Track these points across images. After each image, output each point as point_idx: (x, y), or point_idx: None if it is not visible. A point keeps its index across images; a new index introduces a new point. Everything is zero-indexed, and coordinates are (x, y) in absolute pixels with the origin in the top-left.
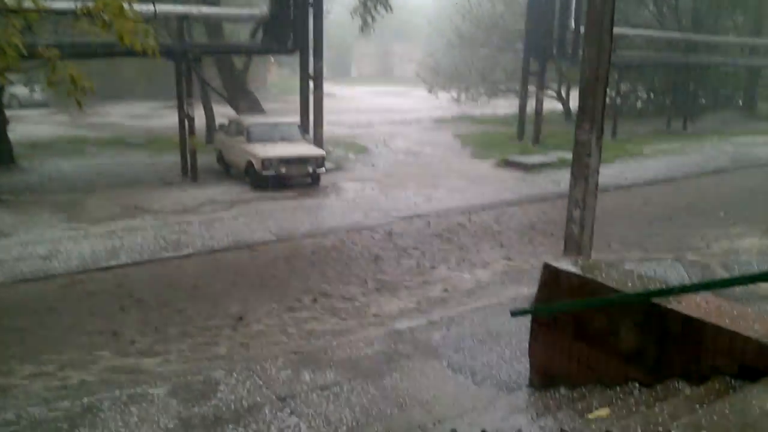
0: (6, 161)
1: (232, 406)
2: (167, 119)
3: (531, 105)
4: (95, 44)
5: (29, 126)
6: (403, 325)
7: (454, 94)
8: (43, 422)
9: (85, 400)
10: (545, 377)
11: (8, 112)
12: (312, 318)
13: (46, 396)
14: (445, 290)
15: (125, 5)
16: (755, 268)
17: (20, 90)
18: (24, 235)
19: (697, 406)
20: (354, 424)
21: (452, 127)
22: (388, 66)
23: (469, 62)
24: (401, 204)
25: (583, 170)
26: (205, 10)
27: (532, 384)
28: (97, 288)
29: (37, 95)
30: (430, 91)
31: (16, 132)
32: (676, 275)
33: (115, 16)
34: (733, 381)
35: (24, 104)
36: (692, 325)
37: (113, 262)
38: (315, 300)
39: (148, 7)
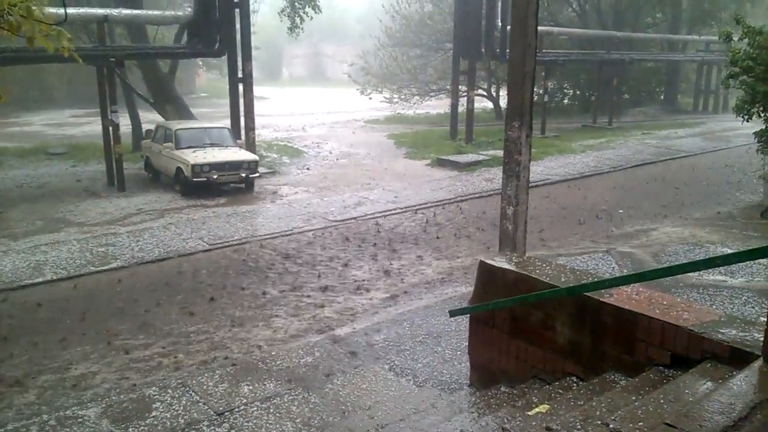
0: None
1: (168, 424)
2: (91, 127)
3: (462, 104)
4: (11, 50)
5: None
6: (342, 330)
7: (387, 94)
8: None
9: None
10: (485, 375)
11: None
12: (249, 327)
13: None
14: (385, 292)
15: (33, 6)
16: (683, 258)
17: None
18: None
19: (634, 397)
20: None
21: (386, 128)
22: (320, 67)
23: (400, 63)
24: (336, 207)
25: (514, 167)
26: (126, 11)
27: (472, 383)
28: (16, 310)
29: None
30: (362, 93)
31: None
32: (608, 268)
33: (24, 17)
34: (666, 371)
35: None
36: (625, 317)
37: (38, 279)
38: (255, 307)
39: (62, 9)
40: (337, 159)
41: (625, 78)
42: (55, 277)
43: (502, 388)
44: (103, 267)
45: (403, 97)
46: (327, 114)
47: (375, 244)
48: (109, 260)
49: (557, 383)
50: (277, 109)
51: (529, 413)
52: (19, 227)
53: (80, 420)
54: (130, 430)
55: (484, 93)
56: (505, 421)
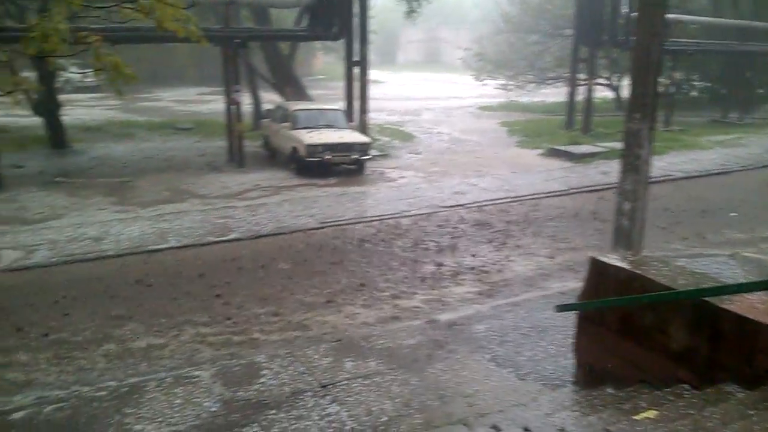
0: (59, 145)
1: (275, 392)
2: (215, 104)
3: (580, 93)
4: (142, 30)
5: (82, 110)
6: (445, 316)
7: (502, 81)
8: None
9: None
10: (591, 374)
11: (62, 97)
12: (355, 306)
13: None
14: (490, 283)
15: None
16: None
17: (73, 74)
18: (76, 217)
19: (751, 411)
20: (395, 414)
21: (499, 116)
22: (435, 52)
23: (517, 49)
24: (446, 193)
25: (633, 161)
26: None
27: (577, 381)
28: (149, 270)
29: (90, 80)
30: (477, 79)
31: (70, 116)
32: (731, 273)
33: (156, 2)
34: None
35: (77, 89)
36: (746, 326)
37: (162, 246)
38: (362, 286)
39: None
40: (448, 145)
41: (759, 71)
42: (177, 245)
43: (608, 390)
44: (222, 238)
45: (518, 84)
46: (440, 99)
47: (482, 232)
48: (227, 232)
49: (668, 389)
50: (391, 93)
51: (636, 417)
52: (147, 196)
53: (194, 380)
54: (240, 392)
55: (605, 82)
56: (610, 423)
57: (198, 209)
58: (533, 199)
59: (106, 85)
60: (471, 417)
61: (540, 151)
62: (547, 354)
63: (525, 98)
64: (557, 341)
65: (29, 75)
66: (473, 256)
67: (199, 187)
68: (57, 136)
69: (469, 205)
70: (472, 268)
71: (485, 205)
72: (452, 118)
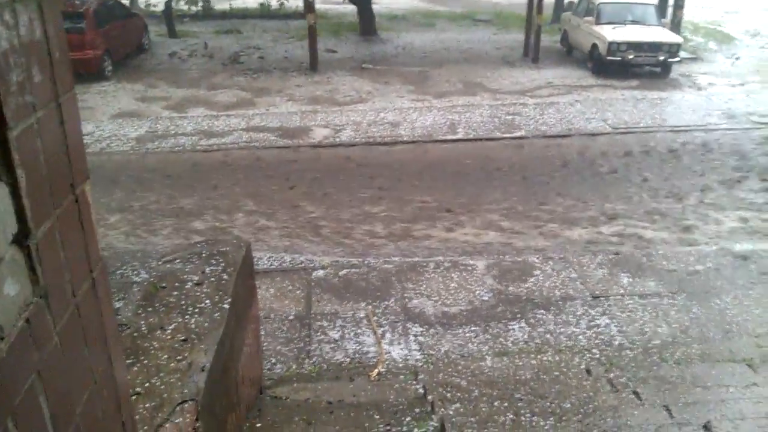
0: (369, 32)
1: (545, 293)
2: None
3: None
4: None
5: None
6: (743, 247)
7: None
8: None
9: None
10: None
11: None
12: (639, 219)
13: None
14: None
15: None
16: None
17: None
18: (378, 102)
19: None
20: (670, 340)
21: None
22: None
23: None
24: (765, 107)
25: None
26: None
27: None
28: (434, 157)
29: None
30: None
31: (379, 4)
32: None
33: None
34: None
35: None
36: None
37: (450, 137)
38: (667, 199)
39: None
40: None
41: None
42: (464, 137)
43: None
44: (507, 135)
45: None
46: None
47: None
48: (513, 129)
49: None
50: None
51: None
52: (442, 87)
53: (470, 268)
54: (510, 287)
55: None
56: None
57: (488, 103)
58: None
59: None
60: (758, 359)
61: None
62: None
63: None
64: None
65: None
66: None
67: (492, 81)
68: (367, 24)
69: None
70: None
71: None
72: None
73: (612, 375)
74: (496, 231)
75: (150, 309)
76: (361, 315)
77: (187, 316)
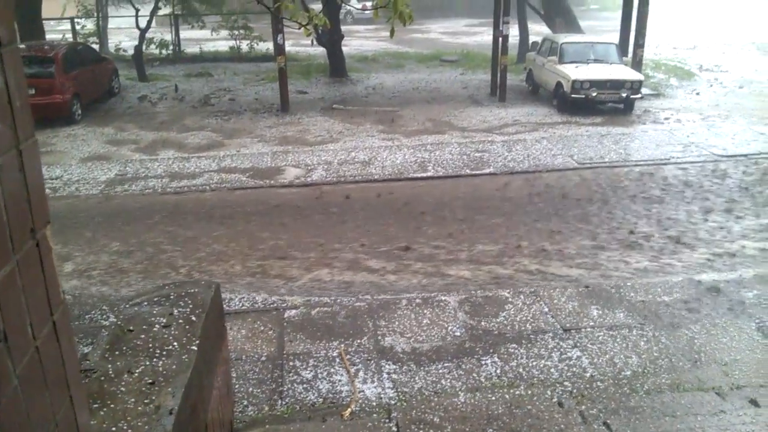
0: (340, 74)
1: (517, 327)
2: (482, 37)
3: None
4: None
5: (359, 41)
6: (708, 277)
7: None
8: None
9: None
10: None
11: (342, 28)
12: (612, 252)
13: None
14: (764, 249)
15: None
16: None
17: (353, 7)
18: (349, 141)
19: None
20: (640, 370)
21: None
22: None
23: None
24: (725, 140)
25: None
26: None
27: None
28: (401, 195)
29: (368, 12)
30: None
31: (348, 46)
32: None
33: None
34: None
35: (356, 20)
36: None
37: (422, 174)
38: (630, 234)
39: None
40: (736, 85)
41: None
42: (435, 174)
43: None
44: (477, 171)
45: None
46: (728, 31)
47: (762, 190)
48: (482, 166)
49: None
50: (674, 25)
51: None
52: (411, 126)
53: (442, 304)
54: (483, 322)
55: None
56: None
57: (457, 141)
58: None
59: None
60: (726, 387)
61: None
62: None
63: None
64: None
65: (317, 8)
66: (755, 215)
67: (460, 120)
68: (337, 66)
69: (751, 156)
70: (743, 229)
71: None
72: (742, 55)
73: (583, 407)
74: (475, 264)
75: (117, 352)
76: (334, 354)
77: (154, 359)
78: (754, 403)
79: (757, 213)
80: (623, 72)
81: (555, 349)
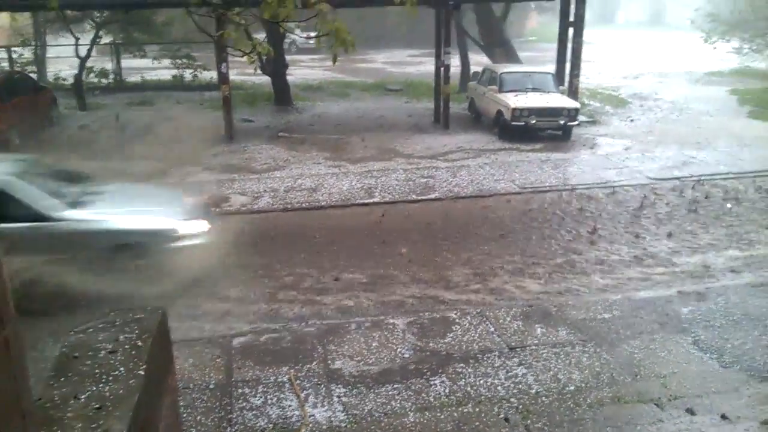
0: (285, 102)
1: (464, 347)
2: (425, 66)
3: None
4: None
5: (303, 70)
6: (645, 294)
7: (735, 44)
8: None
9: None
10: None
11: (287, 57)
12: (552, 274)
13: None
14: (699, 262)
15: None
16: None
17: (297, 37)
18: (295, 169)
19: None
20: (583, 385)
21: (729, 82)
22: (659, 11)
23: (756, 8)
24: (658, 164)
25: None
26: None
27: None
28: (355, 223)
29: (312, 41)
30: (706, 41)
31: (293, 75)
32: None
33: None
34: None
35: (300, 50)
36: None
37: (368, 200)
38: (565, 255)
39: None
40: (666, 113)
41: None
42: (381, 200)
43: None
44: (422, 197)
45: (755, 47)
46: (661, 63)
47: (695, 209)
48: (427, 191)
49: None
50: (607, 56)
51: None
52: (357, 153)
53: (390, 326)
54: (431, 344)
55: None
56: None
57: (403, 167)
58: (763, 176)
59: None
60: (664, 398)
61: None
62: (758, 344)
63: (762, 64)
64: None
65: (260, 37)
66: (688, 233)
67: (405, 147)
68: (282, 94)
69: (685, 179)
70: (684, 249)
71: (704, 181)
72: (674, 84)
73: (529, 422)
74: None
75: (63, 379)
76: (284, 379)
77: (101, 384)
78: (690, 411)
79: (691, 231)
80: (560, 100)
81: (501, 368)
